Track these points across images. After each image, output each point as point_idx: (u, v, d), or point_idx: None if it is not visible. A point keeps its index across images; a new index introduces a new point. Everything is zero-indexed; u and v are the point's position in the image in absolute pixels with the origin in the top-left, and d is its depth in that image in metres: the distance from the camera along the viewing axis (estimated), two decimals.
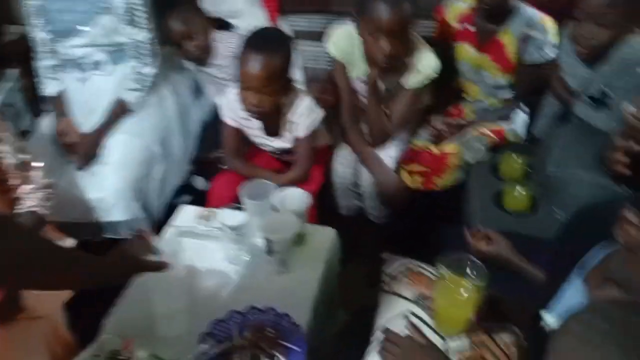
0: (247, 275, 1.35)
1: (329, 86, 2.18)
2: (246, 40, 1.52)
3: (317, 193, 1.69)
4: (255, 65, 1.45)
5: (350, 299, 1.70)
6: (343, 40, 1.74)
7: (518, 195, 1.54)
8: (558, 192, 1.48)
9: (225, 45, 1.94)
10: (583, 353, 0.58)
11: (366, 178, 1.82)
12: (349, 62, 1.78)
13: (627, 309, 0.63)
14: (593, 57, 1.53)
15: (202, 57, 1.91)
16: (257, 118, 1.59)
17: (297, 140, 1.65)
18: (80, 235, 1.45)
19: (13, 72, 2.37)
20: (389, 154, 1.81)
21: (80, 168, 1.69)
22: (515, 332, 1.06)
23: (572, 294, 0.94)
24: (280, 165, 1.80)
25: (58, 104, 1.79)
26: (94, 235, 1.58)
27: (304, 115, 1.61)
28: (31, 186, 1.21)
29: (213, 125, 1.98)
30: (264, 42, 1.52)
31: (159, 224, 1.74)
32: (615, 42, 1.47)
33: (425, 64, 1.68)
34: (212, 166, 1.89)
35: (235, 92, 1.62)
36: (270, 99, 1.50)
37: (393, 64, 1.62)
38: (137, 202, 1.66)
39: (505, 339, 1.05)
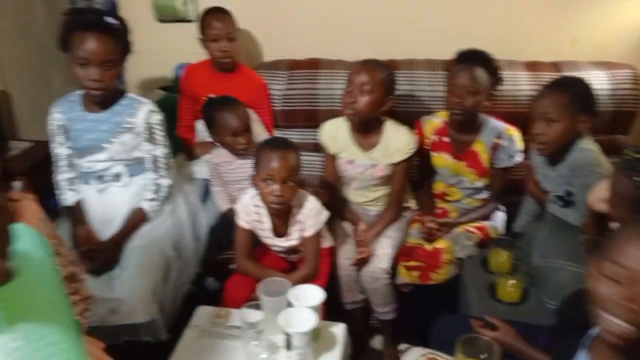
0: None
1: (322, 189, 2.39)
2: (264, 143, 1.76)
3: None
4: (280, 158, 1.67)
5: None
6: (331, 129, 2.14)
7: (509, 286, 1.70)
8: (545, 281, 1.66)
9: None
10: None
11: (367, 274, 1.95)
12: (337, 146, 2.12)
13: None
14: (551, 155, 1.80)
15: (248, 150, 2.06)
16: (276, 212, 1.74)
17: (305, 239, 1.79)
18: (100, 339, 1.49)
19: (17, 184, 2.47)
20: (384, 251, 1.97)
21: (98, 274, 1.76)
22: None
23: None
24: (287, 264, 1.92)
25: (76, 213, 1.90)
26: (113, 339, 1.62)
27: (311, 215, 1.77)
28: (76, 297, 1.27)
29: (219, 229, 2.12)
30: (283, 141, 1.79)
31: (174, 324, 1.79)
32: (566, 144, 1.75)
33: (402, 140, 2.04)
34: (221, 267, 2.00)
35: (250, 195, 1.79)
36: (291, 190, 1.70)
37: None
38: (155, 305, 1.72)
39: None
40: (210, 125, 2.11)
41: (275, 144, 1.74)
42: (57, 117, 1.91)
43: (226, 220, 2.09)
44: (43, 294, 0.50)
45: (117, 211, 1.89)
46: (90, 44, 1.72)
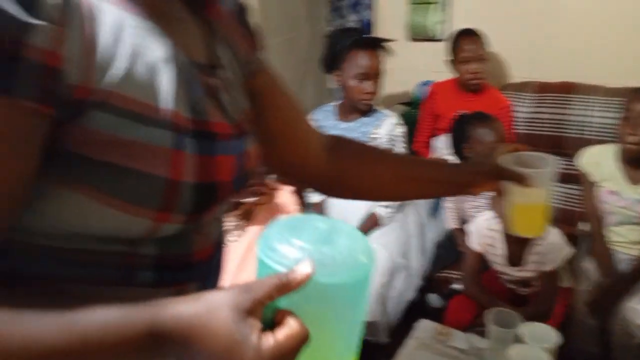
0: None
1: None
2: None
3: None
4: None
5: None
6: (595, 156, 1.96)
7: None
8: None
9: None
10: None
11: (620, 329, 1.71)
12: (600, 174, 1.92)
13: None
14: None
15: None
16: (514, 240, 1.66)
17: (542, 273, 1.67)
18: None
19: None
20: None
21: None
22: None
23: None
24: (514, 297, 1.81)
25: (318, 210, 2.10)
26: None
27: (553, 249, 1.65)
28: None
29: (444, 246, 2.11)
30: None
31: (394, 331, 1.85)
32: None
33: None
34: (442, 284, 1.99)
35: (485, 218, 1.74)
36: None
37: None
38: (378, 307, 1.80)
39: None
40: (463, 139, 2.09)
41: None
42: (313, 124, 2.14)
43: (452, 239, 2.07)
44: None
45: (354, 213, 2.02)
46: (368, 60, 1.93)
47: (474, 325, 1.66)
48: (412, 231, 2.06)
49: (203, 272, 0.63)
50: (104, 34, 0.48)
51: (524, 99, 2.36)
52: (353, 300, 0.52)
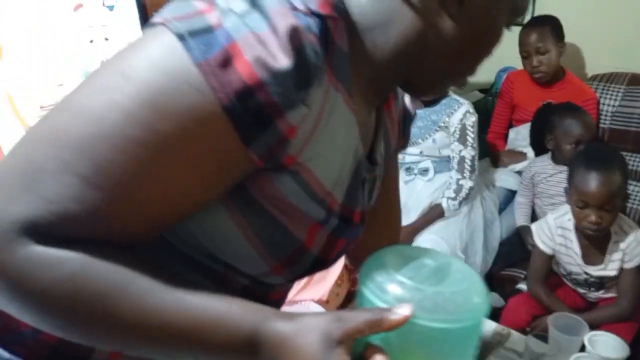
0: None
1: None
2: (582, 156, 1.59)
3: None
4: (598, 181, 1.48)
5: None
6: None
7: None
8: None
9: None
10: None
11: None
12: None
13: None
14: None
15: None
16: (593, 234, 1.56)
17: (623, 271, 1.57)
18: None
19: None
20: None
21: None
22: None
23: None
24: (583, 303, 1.71)
25: None
26: None
27: (636, 245, 1.54)
28: None
29: (510, 244, 2.02)
30: (602, 157, 1.56)
31: None
32: None
33: None
34: (505, 283, 1.91)
35: (555, 216, 1.65)
36: (611, 217, 1.50)
37: None
38: None
39: None
40: (547, 130, 1.99)
41: (594, 162, 1.52)
42: None
43: (520, 237, 1.98)
44: None
45: (417, 203, 1.98)
46: None
47: (532, 327, 1.59)
48: (477, 225, 1.99)
49: (270, 306, 0.68)
50: (329, 122, 0.52)
51: (612, 91, 2.18)
52: (459, 346, 0.49)
